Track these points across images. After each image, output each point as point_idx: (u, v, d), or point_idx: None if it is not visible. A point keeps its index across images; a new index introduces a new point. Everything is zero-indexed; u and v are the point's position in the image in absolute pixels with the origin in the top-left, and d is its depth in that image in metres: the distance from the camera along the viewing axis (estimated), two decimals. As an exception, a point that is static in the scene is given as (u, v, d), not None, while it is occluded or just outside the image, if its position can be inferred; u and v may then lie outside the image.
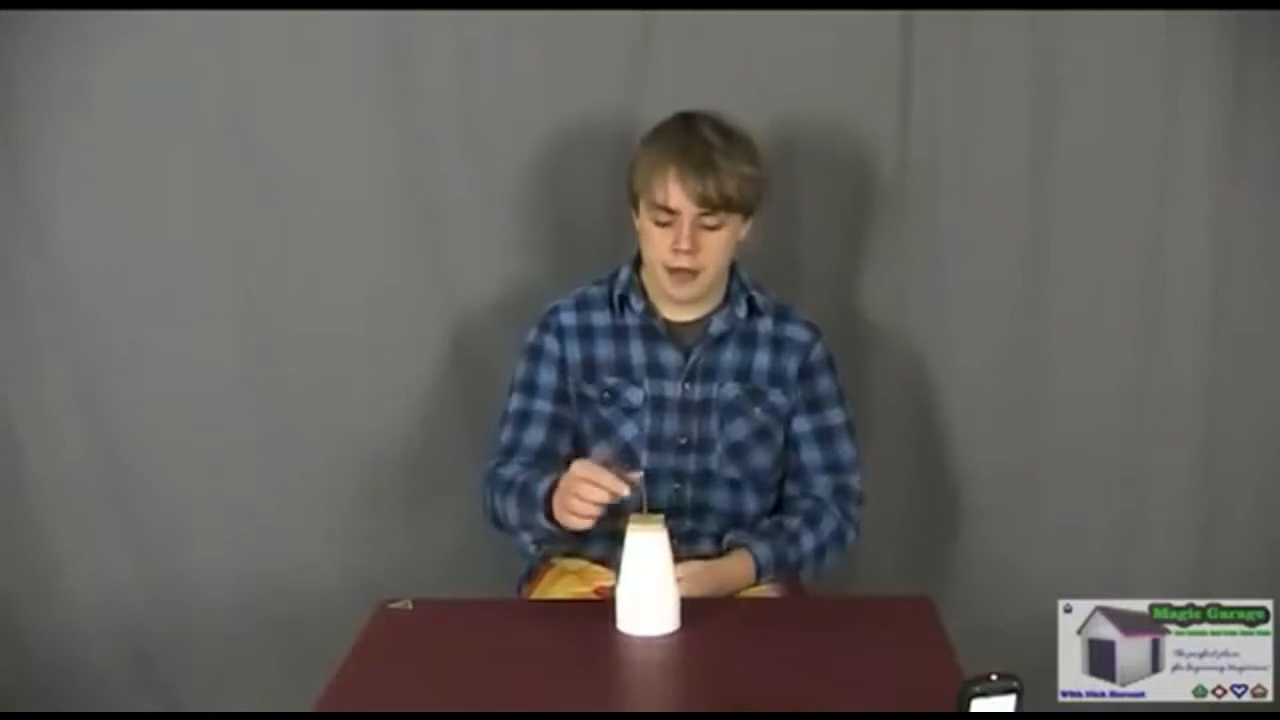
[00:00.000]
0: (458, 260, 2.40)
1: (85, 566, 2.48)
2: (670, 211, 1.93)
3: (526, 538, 1.99)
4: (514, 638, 1.73)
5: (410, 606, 1.81)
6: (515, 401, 2.05)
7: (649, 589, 1.70)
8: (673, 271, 1.96)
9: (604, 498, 1.70)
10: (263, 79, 2.33)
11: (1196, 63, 2.32)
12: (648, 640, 1.68)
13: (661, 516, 1.73)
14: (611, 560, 1.92)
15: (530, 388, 2.04)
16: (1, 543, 2.47)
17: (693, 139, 1.94)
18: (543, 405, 2.03)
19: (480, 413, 2.28)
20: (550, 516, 1.81)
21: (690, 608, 1.73)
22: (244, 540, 2.47)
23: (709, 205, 1.92)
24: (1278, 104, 2.34)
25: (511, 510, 1.93)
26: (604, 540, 1.99)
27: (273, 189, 2.37)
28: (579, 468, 1.74)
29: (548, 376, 2.04)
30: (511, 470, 1.97)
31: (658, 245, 1.96)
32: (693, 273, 1.95)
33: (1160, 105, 2.34)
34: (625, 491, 1.70)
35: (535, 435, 2.02)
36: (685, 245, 1.93)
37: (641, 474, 1.73)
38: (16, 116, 2.33)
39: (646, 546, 1.70)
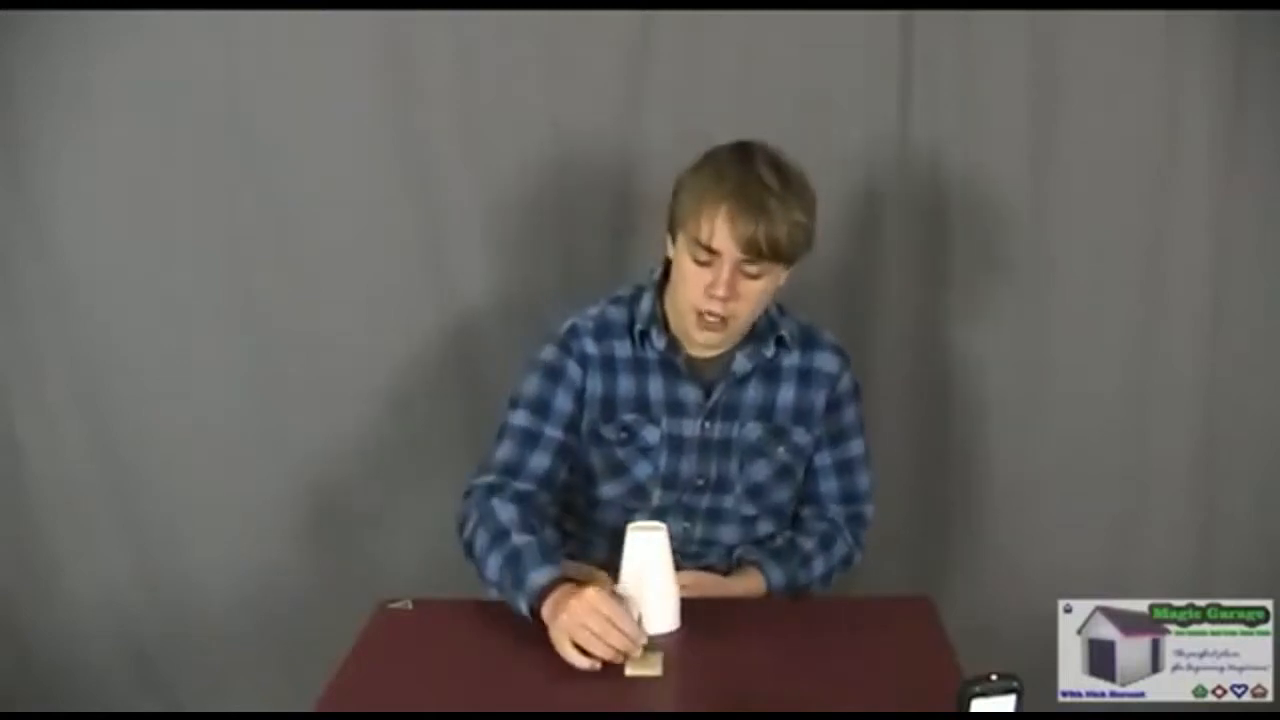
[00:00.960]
0: (458, 260, 2.40)
1: (85, 566, 2.48)
2: (712, 252, 1.79)
3: (492, 593, 1.78)
4: (514, 638, 1.73)
5: (410, 606, 1.81)
6: (522, 419, 1.90)
7: (649, 589, 1.70)
8: (701, 315, 1.82)
9: (620, 646, 1.60)
10: (263, 79, 2.33)
11: (1196, 63, 2.32)
12: (648, 640, 1.67)
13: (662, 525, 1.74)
14: (613, 564, 1.92)
15: (543, 409, 1.90)
16: (1, 543, 2.48)
17: (749, 176, 1.79)
18: (553, 431, 1.89)
19: (480, 412, 2.28)
20: (535, 614, 1.68)
21: (690, 608, 1.73)
22: (244, 540, 2.47)
23: (755, 252, 1.77)
24: (1278, 104, 2.34)
25: (492, 566, 1.76)
26: (605, 552, 1.98)
27: (273, 189, 2.37)
28: (601, 603, 1.61)
29: (564, 403, 1.90)
30: (507, 510, 1.81)
31: (692, 285, 1.81)
32: (723, 320, 1.82)
33: (1160, 105, 2.34)
34: (637, 651, 1.61)
35: (541, 460, 1.89)
36: (722, 291, 1.78)
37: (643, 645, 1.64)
38: (16, 116, 2.34)
39: (646, 547, 1.71)
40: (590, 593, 1.62)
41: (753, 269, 1.80)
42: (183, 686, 2.51)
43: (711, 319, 1.82)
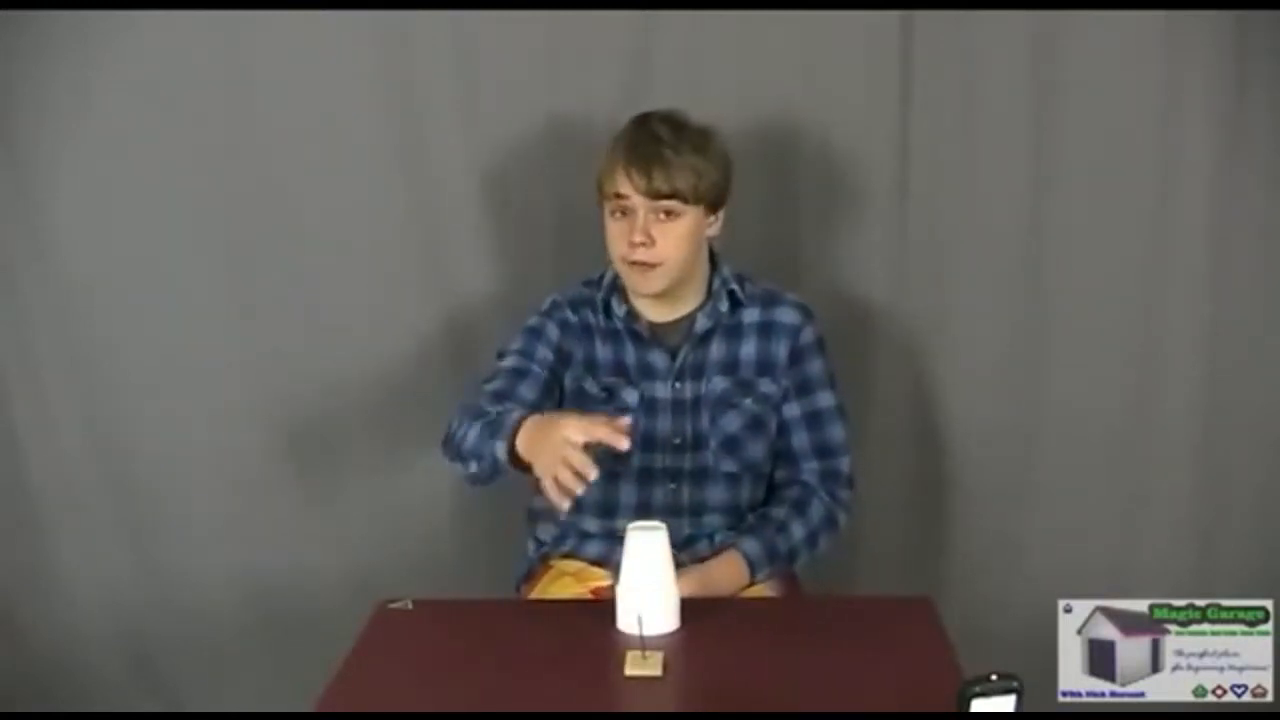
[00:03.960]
0: (458, 260, 2.40)
1: (85, 566, 2.48)
2: (621, 198, 1.93)
3: (469, 468, 1.85)
4: (514, 638, 1.73)
5: (410, 606, 1.81)
6: (511, 360, 2.00)
7: (649, 589, 1.70)
8: (632, 265, 1.95)
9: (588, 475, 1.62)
10: (263, 79, 2.33)
11: (1196, 63, 2.32)
12: (647, 640, 1.67)
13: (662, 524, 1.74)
14: (609, 561, 1.92)
15: (529, 354, 2.00)
16: (1, 543, 2.48)
17: (643, 135, 1.96)
18: (539, 370, 1.99)
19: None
20: (513, 452, 1.74)
21: (690, 608, 1.73)
22: (244, 540, 2.47)
23: (658, 195, 1.92)
24: (1278, 104, 2.33)
25: (471, 434, 1.84)
26: (602, 540, 1.99)
27: (273, 188, 2.37)
28: (574, 431, 1.64)
29: (545, 352, 2.01)
30: (496, 408, 1.87)
31: (617, 240, 1.96)
32: (651, 266, 1.94)
33: (1160, 105, 2.34)
34: (624, 444, 1.63)
35: (529, 391, 1.96)
36: (639, 237, 1.92)
37: (627, 421, 1.68)
38: (16, 116, 2.34)
39: (646, 546, 1.70)
40: (568, 425, 1.65)
41: (664, 208, 1.93)
42: (183, 686, 2.51)
43: (641, 266, 1.94)
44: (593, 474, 1.62)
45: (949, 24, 2.32)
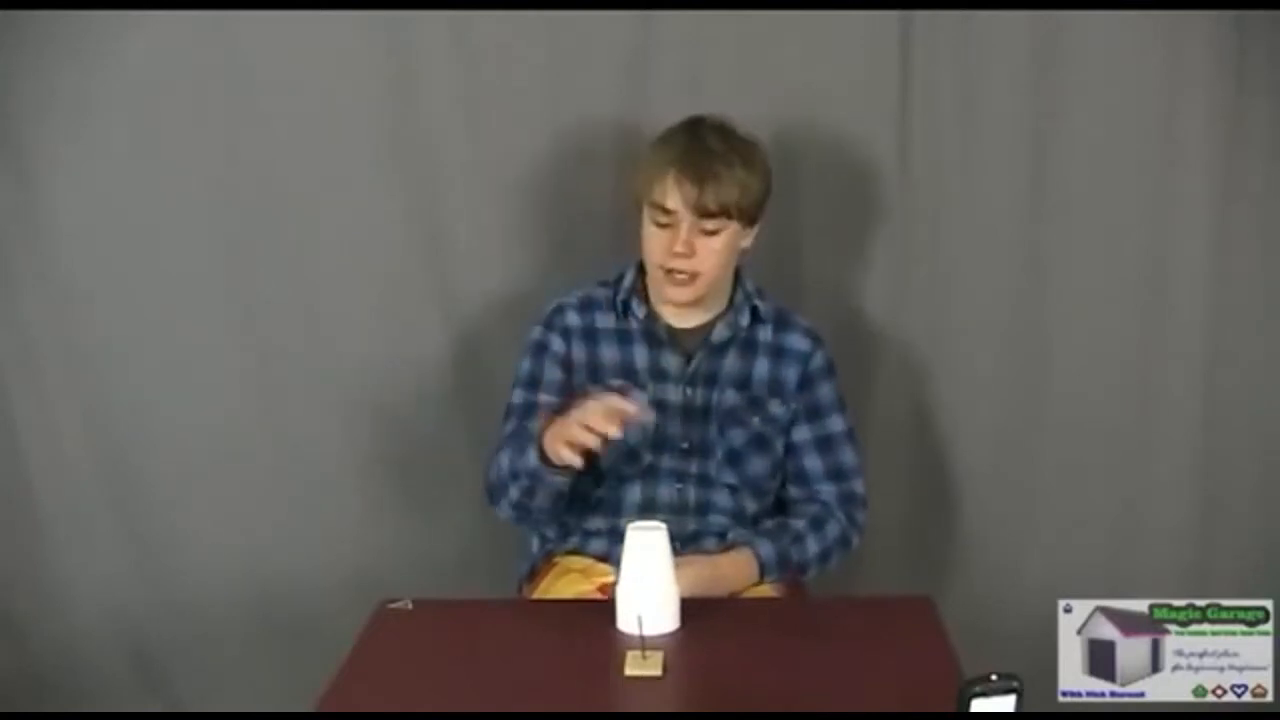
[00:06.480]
0: (458, 261, 2.40)
1: (85, 566, 2.48)
2: (668, 211, 1.93)
3: (511, 494, 1.93)
4: (514, 638, 1.73)
5: (410, 606, 1.81)
6: (519, 396, 2.04)
7: (649, 589, 1.70)
8: (669, 273, 1.95)
9: (607, 429, 1.74)
10: (263, 79, 2.33)
11: (1197, 63, 2.32)
12: (647, 640, 1.67)
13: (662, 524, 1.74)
14: (612, 558, 1.92)
15: (534, 382, 2.03)
16: (2, 543, 2.48)
17: (695, 144, 1.95)
18: (548, 398, 2.01)
19: (480, 413, 2.29)
20: (542, 455, 1.83)
21: (690, 608, 1.73)
22: (245, 540, 2.47)
23: (704, 211, 1.92)
24: (1278, 104, 2.33)
25: (504, 462, 1.94)
26: (605, 537, 2.00)
27: (273, 189, 2.37)
28: (593, 402, 1.78)
29: (552, 373, 2.03)
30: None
31: (656, 247, 1.96)
32: (690, 276, 1.95)
33: (1160, 105, 2.34)
34: (614, 432, 1.75)
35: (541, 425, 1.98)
36: (681, 248, 1.93)
37: (650, 416, 1.85)
38: (17, 117, 2.34)
39: (646, 546, 1.71)
40: (588, 402, 1.79)
41: (709, 226, 1.93)
42: (183, 686, 2.51)
43: (680, 276, 1.95)
44: (614, 430, 1.74)
45: (949, 24, 2.32)
